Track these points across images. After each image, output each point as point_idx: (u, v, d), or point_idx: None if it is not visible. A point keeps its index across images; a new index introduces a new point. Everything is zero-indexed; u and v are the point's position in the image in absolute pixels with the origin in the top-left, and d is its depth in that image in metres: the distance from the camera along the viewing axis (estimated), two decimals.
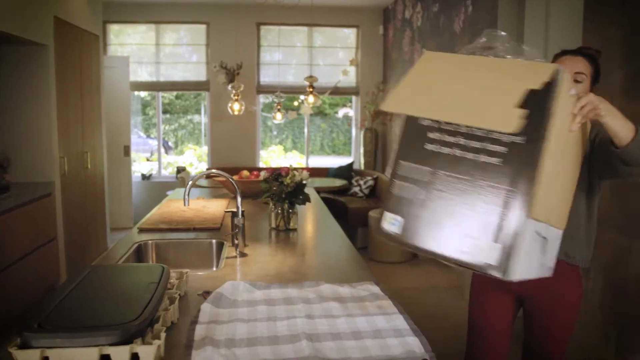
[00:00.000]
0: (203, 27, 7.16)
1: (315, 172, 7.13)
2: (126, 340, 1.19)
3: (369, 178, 6.65)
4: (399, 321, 1.49)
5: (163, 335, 1.26)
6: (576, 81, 1.77)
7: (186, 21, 7.15)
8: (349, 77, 7.21)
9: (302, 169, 2.67)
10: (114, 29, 7.16)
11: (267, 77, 7.35)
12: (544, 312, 1.92)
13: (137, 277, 1.53)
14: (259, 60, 7.30)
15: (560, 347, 1.95)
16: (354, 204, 6.16)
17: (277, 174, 2.59)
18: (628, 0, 2.51)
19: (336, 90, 7.14)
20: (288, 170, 2.58)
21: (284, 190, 2.55)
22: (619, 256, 2.60)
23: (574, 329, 1.94)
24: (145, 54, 7.21)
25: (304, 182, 2.60)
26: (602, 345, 2.78)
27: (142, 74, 7.24)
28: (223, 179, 3.51)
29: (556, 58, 1.86)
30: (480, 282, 2.07)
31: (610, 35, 2.58)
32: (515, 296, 2.00)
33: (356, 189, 6.63)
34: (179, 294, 1.59)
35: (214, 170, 2.24)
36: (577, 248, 1.83)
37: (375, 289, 1.76)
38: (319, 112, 10.61)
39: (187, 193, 2.11)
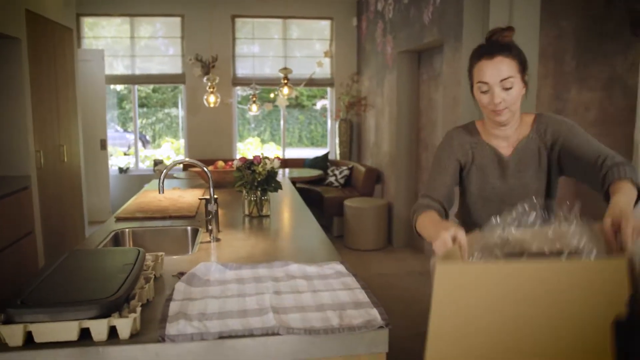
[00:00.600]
0: (178, 19, 7.18)
1: (292, 163, 7.23)
2: (104, 315, 1.28)
3: (344, 168, 6.77)
4: (361, 295, 1.60)
5: (139, 309, 1.35)
6: (506, 89, 1.62)
7: (161, 14, 7.16)
8: (324, 69, 7.30)
9: (274, 158, 2.76)
10: (88, 22, 7.15)
11: (243, 69, 7.41)
12: None
13: (113, 259, 1.62)
14: (235, 53, 7.35)
15: None
16: (330, 194, 6.28)
17: (249, 163, 2.68)
18: None
19: (311, 82, 7.23)
20: (260, 159, 2.67)
21: (256, 178, 2.64)
22: None
23: None
24: (120, 47, 7.21)
25: (275, 170, 2.70)
26: None
27: (118, 67, 7.24)
28: (198, 169, 3.58)
29: (473, 63, 1.68)
30: None
31: (563, 26, 2.72)
32: None
33: (332, 179, 6.74)
34: (154, 275, 1.68)
35: (187, 159, 2.32)
36: None
37: (340, 267, 1.87)
38: (297, 104, 10.69)
39: (161, 181, 2.19)
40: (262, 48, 7.50)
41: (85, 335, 1.28)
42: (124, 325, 1.29)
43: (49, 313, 1.26)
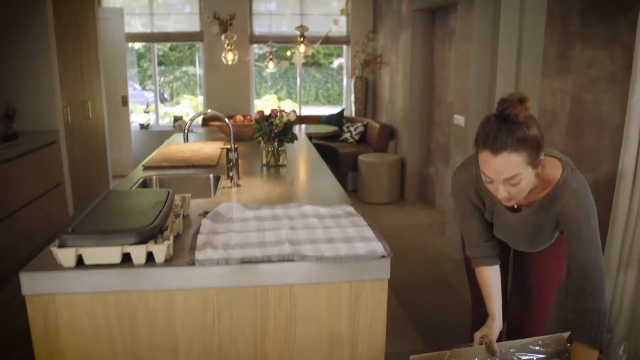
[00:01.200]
0: None
1: (308, 120, 7.38)
2: (142, 241, 1.49)
3: (359, 124, 6.90)
4: (367, 231, 1.78)
5: (171, 238, 1.55)
6: (513, 185, 1.50)
7: None
8: (340, 27, 7.36)
9: (290, 111, 2.91)
10: None
11: (260, 27, 7.48)
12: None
13: (146, 198, 1.82)
14: (252, 11, 7.41)
15: (550, 286, 1.97)
16: (345, 150, 6.44)
17: (267, 116, 2.85)
18: None
19: (327, 40, 7.29)
20: (277, 112, 2.84)
21: (274, 130, 2.82)
22: None
23: (562, 268, 1.97)
24: (137, 5, 7.31)
25: (291, 122, 2.86)
26: None
27: (136, 25, 7.36)
28: (217, 124, 3.76)
29: (477, 148, 1.52)
30: None
31: None
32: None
33: (347, 135, 6.89)
34: (182, 213, 1.89)
35: (210, 111, 2.49)
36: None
37: (350, 209, 2.05)
38: (313, 63, 10.72)
39: (186, 131, 2.38)
40: (279, 6, 7.54)
41: (126, 259, 1.49)
42: (159, 250, 1.49)
43: (96, 239, 1.47)
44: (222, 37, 5.96)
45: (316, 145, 6.59)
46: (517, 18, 3.29)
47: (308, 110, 8.46)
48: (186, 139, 2.39)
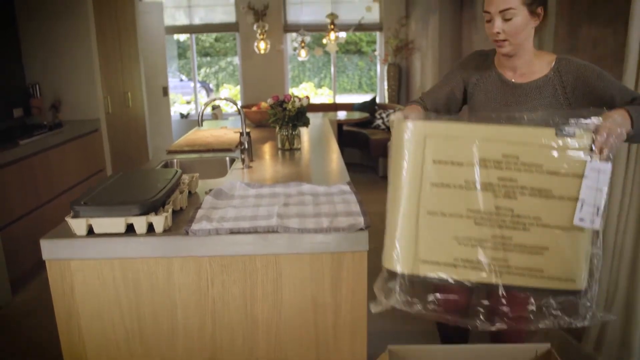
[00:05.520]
0: None
1: (341, 108, 7.50)
2: (144, 213, 1.67)
3: (392, 111, 6.96)
4: (354, 207, 1.91)
5: (170, 210, 1.73)
6: (506, 19, 1.67)
7: None
8: (373, 14, 7.41)
9: (304, 97, 3.05)
10: None
11: (295, 16, 7.63)
12: None
13: (156, 176, 2.00)
14: (286, 0, 7.56)
15: None
16: (376, 136, 6.53)
17: (280, 101, 3.00)
18: None
19: (360, 27, 7.37)
20: (290, 97, 2.98)
21: (287, 115, 2.96)
22: None
23: None
24: None
25: (304, 107, 3.00)
26: None
27: (180, 17, 7.63)
28: (250, 111, 3.94)
29: None
30: None
31: None
32: None
33: (379, 122, 6.97)
34: (190, 191, 2.07)
35: (222, 97, 2.66)
36: None
37: (346, 187, 2.18)
38: (356, 51, 10.79)
39: (200, 115, 2.56)
40: None
41: (130, 229, 1.68)
42: (158, 221, 1.67)
43: (103, 211, 1.66)
44: (255, 27, 6.15)
45: (348, 132, 6.71)
46: None
47: (349, 98, 8.58)
48: (200, 124, 2.58)
